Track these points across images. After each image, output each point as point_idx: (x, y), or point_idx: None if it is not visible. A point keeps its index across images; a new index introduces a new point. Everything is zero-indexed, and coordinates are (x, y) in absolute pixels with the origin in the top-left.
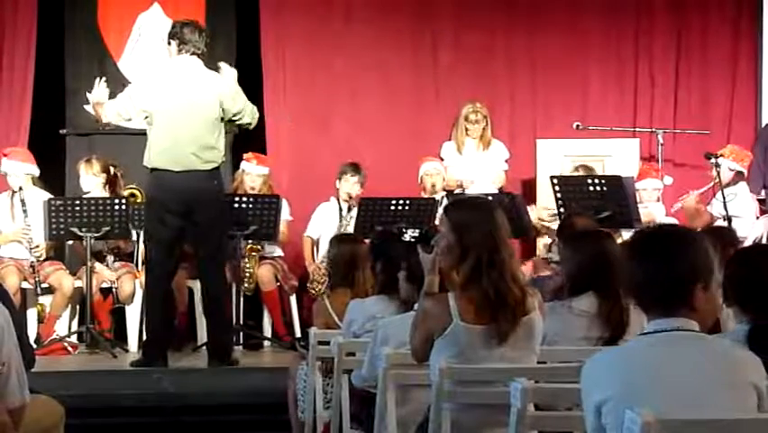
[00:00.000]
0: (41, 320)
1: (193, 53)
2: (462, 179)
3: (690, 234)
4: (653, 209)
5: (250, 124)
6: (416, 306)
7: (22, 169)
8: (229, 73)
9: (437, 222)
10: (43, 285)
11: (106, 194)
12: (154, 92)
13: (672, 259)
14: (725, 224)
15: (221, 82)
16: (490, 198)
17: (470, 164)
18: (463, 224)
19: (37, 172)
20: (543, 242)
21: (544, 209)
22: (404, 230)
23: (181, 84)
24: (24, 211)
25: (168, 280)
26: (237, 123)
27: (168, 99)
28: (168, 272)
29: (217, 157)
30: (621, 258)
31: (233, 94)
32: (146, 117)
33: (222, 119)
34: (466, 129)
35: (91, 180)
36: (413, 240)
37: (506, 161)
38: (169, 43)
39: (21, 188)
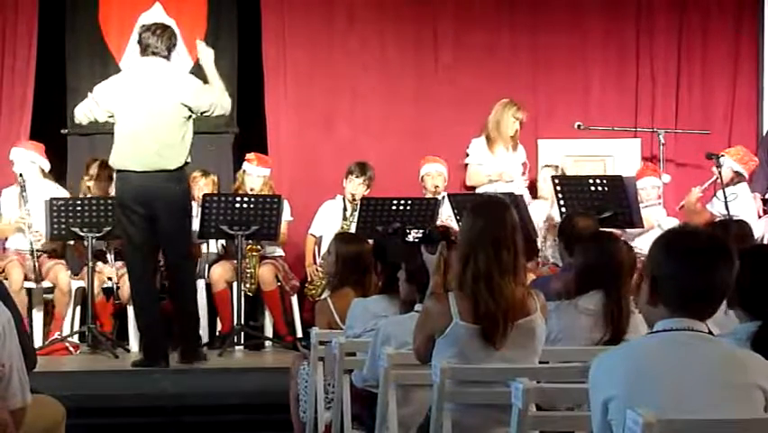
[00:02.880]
0: (46, 322)
1: (153, 54)
2: (499, 171)
3: (731, 248)
4: (653, 214)
5: (224, 114)
6: (416, 306)
7: (28, 156)
8: (205, 52)
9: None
10: (45, 284)
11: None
12: (117, 93)
13: (720, 271)
14: None
15: (183, 82)
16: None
17: (501, 162)
18: (470, 224)
19: (46, 164)
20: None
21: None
22: (408, 230)
23: (142, 84)
24: (23, 196)
25: (150, 280)
26: (209, 115)
27: (129, 99)
28: (147, 272)
29: (181, 156)
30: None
31: (195, 91)
32: (110, 116)
33: (189, 117)
34: (501, 128)
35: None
36: (417, 240)
37: (522, 163)
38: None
39: (21, 175)
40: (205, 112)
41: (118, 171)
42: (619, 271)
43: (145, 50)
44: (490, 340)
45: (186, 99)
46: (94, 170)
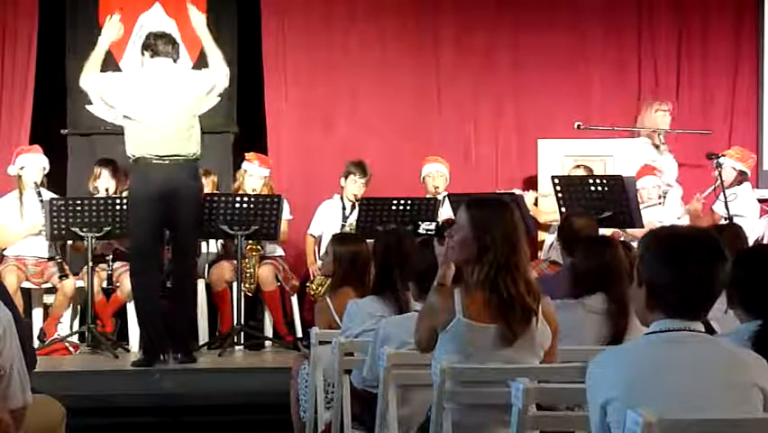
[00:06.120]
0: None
1: (165, 56)
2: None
3: (722, 247)
4: (654, 215)
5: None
6: (415, 306)
7: (41, 162)
8: (197, 18)
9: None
10: (46, 285)
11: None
12: (132, 89)
13: (714, 272)
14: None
15: (191, 74)
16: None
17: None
18: (485, 223)
19: (47, 168)
20: (548, 240)
21: (544, 214)
22: (419, 223)
23: (158, 79)
24: (41, 201)
25: (155, 280)
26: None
27: (146, 93)
28: (150, 270)
29: (197, 144)
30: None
31: (200, 76)
32: (125, 115)
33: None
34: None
35: (111, 184)
36: (428, 232)
37: None
38: (143, 53)
39: (36, 184)
40: (211, 91)
41: (136, 161)
42: (618, 273)
43: (156, 53)
44: (491, 338)
45: (197, 88)
46: (99, 168)
